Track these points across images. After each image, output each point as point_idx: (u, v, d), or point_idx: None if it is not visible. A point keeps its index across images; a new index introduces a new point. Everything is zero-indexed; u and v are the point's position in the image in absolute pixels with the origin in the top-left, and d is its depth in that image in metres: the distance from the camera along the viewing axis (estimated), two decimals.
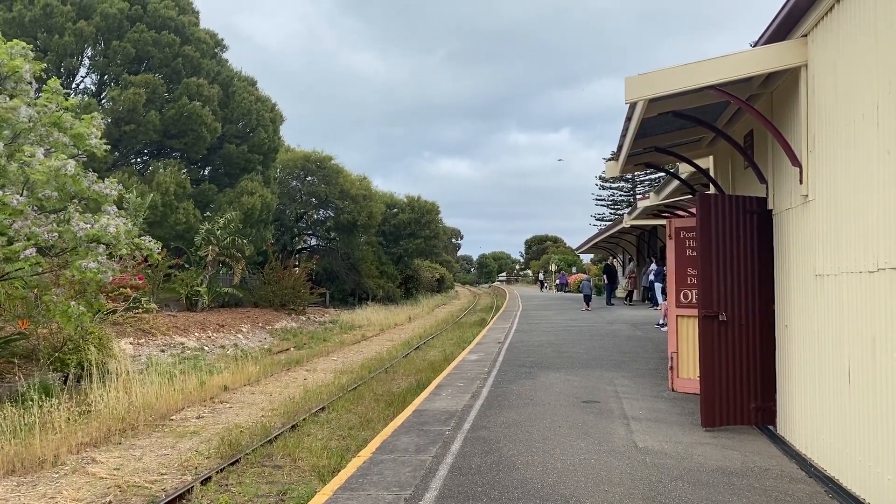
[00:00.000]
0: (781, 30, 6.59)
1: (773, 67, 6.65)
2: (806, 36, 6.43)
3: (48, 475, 8.28)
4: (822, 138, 6.12)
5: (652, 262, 24.97)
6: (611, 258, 44.62)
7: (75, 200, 10.97)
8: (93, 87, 27.75)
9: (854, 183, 5.46)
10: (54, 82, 11.23)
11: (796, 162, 6.56)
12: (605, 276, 35.11)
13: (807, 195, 6.43)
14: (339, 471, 6.85)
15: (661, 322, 18.84)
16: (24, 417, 9.82)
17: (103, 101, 26.53)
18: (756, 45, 7.03)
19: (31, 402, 10.38)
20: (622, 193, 76.64)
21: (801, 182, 6.50)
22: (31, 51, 11.55)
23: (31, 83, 11.27)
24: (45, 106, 10.94)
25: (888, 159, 4.90)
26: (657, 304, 22.23)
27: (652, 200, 20.55)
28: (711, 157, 11.14)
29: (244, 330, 23.65)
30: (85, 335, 13.16)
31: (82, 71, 27.13)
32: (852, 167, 5.49)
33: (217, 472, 8.08)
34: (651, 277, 23.41)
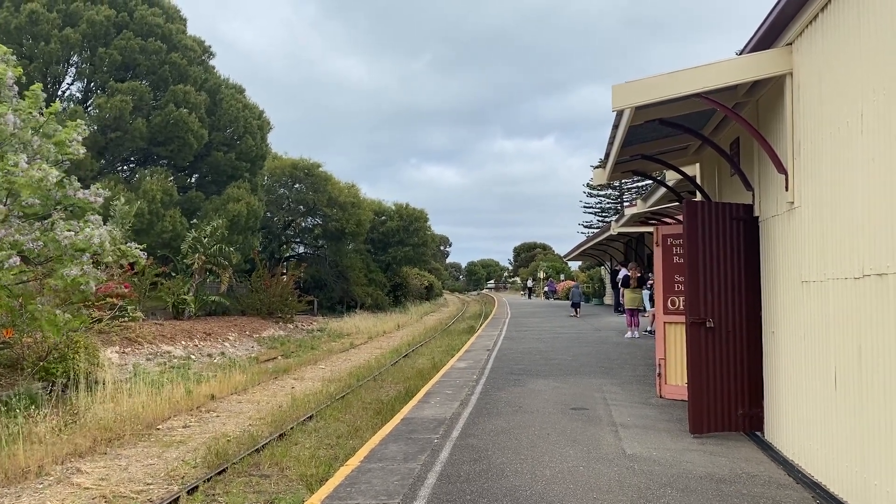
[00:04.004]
0: (767, 38, 6.65)
1: (759, 75, 6.70)
2: (791, 44, 6.49)
3: (32, 486, 8.19)
4: (808, 146, 6.17)
5: (622, 269, 24.74)
6: (618, 264, 44.54)
7: (59, 207, 10.88)
8: (79, 95, 27.59)
9: (839, 190, 5.50)
10: (37, 87, 11.14)
11: (782, 169, 6.60)
12: (618, 282, 34.85)
13: (793, 202, 6.47)
14: (326, 480, 6.81)
15: (649, 329, 18.90)
16: (8, 427, 9.71)
17: (89, 109, 26.38)
18: (742, 53, 7.09)
19: (15, 412, 10.27)
20: (609, 201, 76.94)
21: (786, 189, 6.54)
22: (13, 55, 11.44)
23: (12, 88, 11.17)
24: (29, 113, 10.85)
25: (873, 166, 4.94)
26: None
27: (639, 208, 20.62)
28: (698, 165, 11.20)
29: (231, 338, 23.52)
30: (70, 344, 13.04)
31: (68, 78, 26.99)
32: (837, 174, 5.54)
33: (204, 481, 8.02)
34: (620, 285, 23.12)
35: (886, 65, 4.76)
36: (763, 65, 6.63)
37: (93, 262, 11.08)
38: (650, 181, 15.86)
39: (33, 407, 10.86)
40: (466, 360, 14.91)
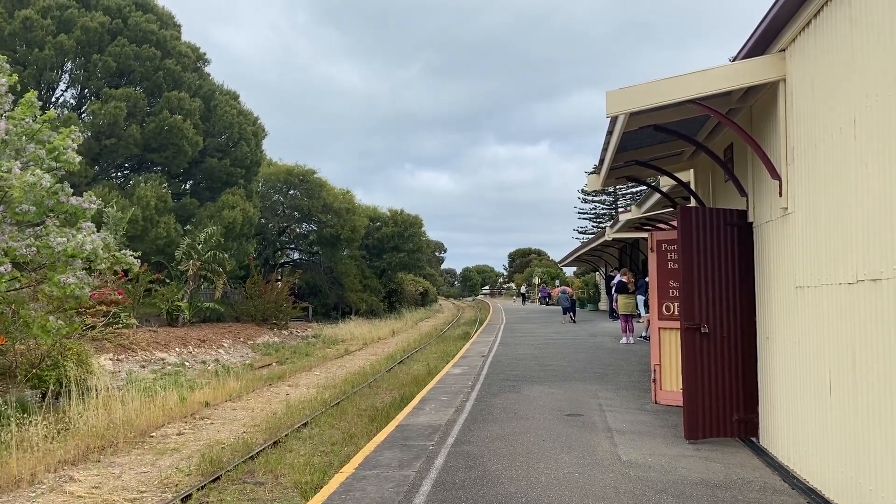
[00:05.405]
0: (760, 45, 6.67)
1: (752, 82, 6.72)
2: (784, 51, 6.51)
3: (25, 494, 8.13)
4: (801, 151, 6.19)
5: (616, 275, 24.73)
6: (613, 269, 44.51)
7: (53, 214, 10.84)
8: (73, 101, 27.58)
9: (833, 195, 5.51)
10: (31, 95, 11.12)
11: (776, 175, 6.62)
12: (612, 287, 34.63)
13: (786, 208, 6.49)
14: (321, 487, 6.78)
15: (644, 334, 18.92)
16: (0, 435, 9.65)
17: (83, 115, 26.35)
18: (735, 59, 7.11)
19: (7, 420, 10.21)
20: (604, 206, 77.08)
21: (780, 195, 6.56)
22: (8, 63, 11.42)
23: (6, 95, 11.15)
24: (22, 119, 10.82)
25: (866, 172, 4.95)
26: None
27: (633, 213, 20.67)
28: (692, 171, 11.23)
29: (226, 345, 23.44)
30: (63, 351, 12.98)
31: (62, 84, 26.99)
32: (831, 180, 5.55)
33: (198, 489, 7.97)
34: (614, 291, 23.11)
35: (880, 70, 4.78)
36: (756, 71, 6.65)
37: (86, 269, 11.04)
38: (644, 187, 15.90)
39: (25, 414, 10.79)
40: (461, 366, 14.89)
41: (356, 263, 47.45)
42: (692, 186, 10.99)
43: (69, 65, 26.37)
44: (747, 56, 6.82)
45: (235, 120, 31.00)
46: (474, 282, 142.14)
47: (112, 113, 24.61)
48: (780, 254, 6.78)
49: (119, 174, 29.35)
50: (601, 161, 9.37)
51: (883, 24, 4.73)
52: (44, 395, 12.26)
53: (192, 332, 23.07)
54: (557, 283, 66.65)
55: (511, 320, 33.72)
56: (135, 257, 11.90)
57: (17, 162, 10.28)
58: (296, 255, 46.19)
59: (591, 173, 11.72)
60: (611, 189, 70.03)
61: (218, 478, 8.41)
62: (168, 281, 24.95)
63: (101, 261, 11.01)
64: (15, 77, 11.37)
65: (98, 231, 11.32)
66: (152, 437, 11.12)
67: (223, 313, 27.88)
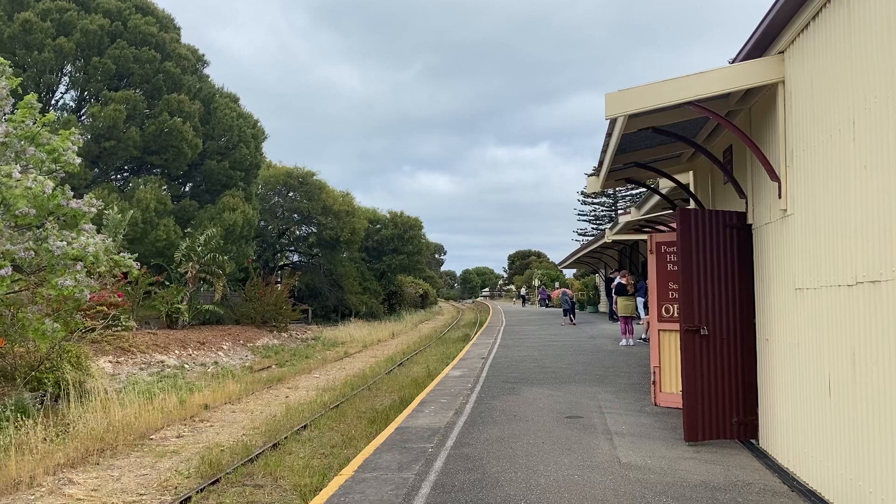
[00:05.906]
0: (758, 47, 6.68)
1: (751, 84, 6.72)
2: (782, 53, 6.52)
3: (24, 497, 8.12)
4: (800, 153, 6.19)
5: (617, 277, 24.64)
6: (614, 271, 44.20)
7: (53, 217, 10.82)
8: (72, 104, 27.59)
9: (832, 197, 5.51)
10: (31, 97, 11.11)
11: (775, 177, 6.62)
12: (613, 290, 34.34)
13: (786, 209, 6.49)
14: (321, 489, 6.77)
15: (643, 336, 18.91)
16: None
17: (83, 118, 26.35)
18: (734, 61, 7.12)
19: (6, 423, 10.20)
20: (604, 208, 77.05)
21: (779, 196, 6.56)
22: (10, 66, 11.43)
23: (7, 98, 11.14)
24: (22, 122, 10.82)
25: (865, 174, 4.95)
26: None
27: (633, 215, 20.67)
28: (691, 173, 11.24)
29: (225, 347, 23.43)
30: (62, 354, 12.96)
31: (62, 87, 27.00)
32: (830, 182, 5.55)
33: (197, 491, 7.97)
34: (614, 293, 22.98)
35: (878, 72, 4.78)
36: (755, 73, 6.66)
37: (86, 272, 11.03)
38: (644, 189, 15.91)
39: (25, 417, 10.78)
40: (461, 369, 14.89)
41: (356, 266, 47.47)
42: (691, 188, 11.00)
43: (69, 67, 26.38)
44: (746, 58, 6.83)
45: (235, 122, 31.01)
46: (474, 284, 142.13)
47: (111, 115, 24.62)
48: (779, 256, 6.78)
49: (118, 176, 29.36)
50: (600, 163, 9.38)
51: (881, 26, 4.73)
52: (43, 398, 12.25)
53: (192, 335, 23.05)
54: (557, 284, 66.60)
55: (511, 322, 33.71)
56: (134, 260, 11.88)
57: (17, 165, 10.27)
58: (295, 258, 46.17)
59: (591, 175, 11.73)
60: (610, 191, 70.05)
61: (217, 480, 8.41)
62: (167, 283, 24.93)
63: (101, 263, 10.99)
64: (18, 80, 11.37)
65: (98, 233, 11.30)
66: (151, 439, 11.10)
67: (222, 316, 27.86)
